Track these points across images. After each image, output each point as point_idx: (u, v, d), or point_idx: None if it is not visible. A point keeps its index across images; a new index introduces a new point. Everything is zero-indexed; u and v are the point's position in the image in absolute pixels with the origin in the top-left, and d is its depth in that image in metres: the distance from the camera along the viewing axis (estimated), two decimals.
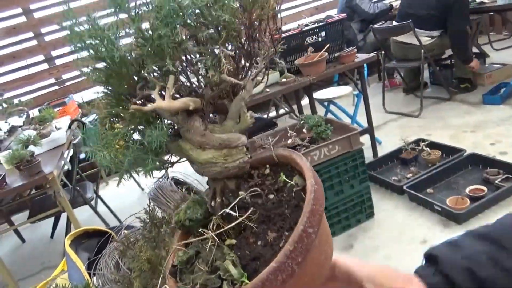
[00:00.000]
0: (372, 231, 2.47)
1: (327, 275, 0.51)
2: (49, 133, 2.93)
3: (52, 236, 3.58)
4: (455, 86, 4.06)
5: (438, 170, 2.69)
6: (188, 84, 0.45)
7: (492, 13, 4.83)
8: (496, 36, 5.42)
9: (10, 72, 4.49)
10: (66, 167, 3.02)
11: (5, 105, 3.16)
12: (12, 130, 3.47)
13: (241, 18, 0.44)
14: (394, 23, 4.07)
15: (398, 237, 2.35)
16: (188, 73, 0.45)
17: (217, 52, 0.43)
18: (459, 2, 3.53)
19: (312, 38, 3.07)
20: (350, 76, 3.54)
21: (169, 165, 0.47)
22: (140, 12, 0.40)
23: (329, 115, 3.59)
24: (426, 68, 4.39)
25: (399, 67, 4.29)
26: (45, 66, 4.60)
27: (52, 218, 3.33)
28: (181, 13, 0.40)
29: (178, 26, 0.40)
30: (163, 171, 0.47)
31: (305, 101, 3.78)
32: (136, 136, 0.44)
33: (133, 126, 0.43)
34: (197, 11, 0.42)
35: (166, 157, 0.46)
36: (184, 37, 0.42)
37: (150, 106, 0.41)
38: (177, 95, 0.45)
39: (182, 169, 0.91)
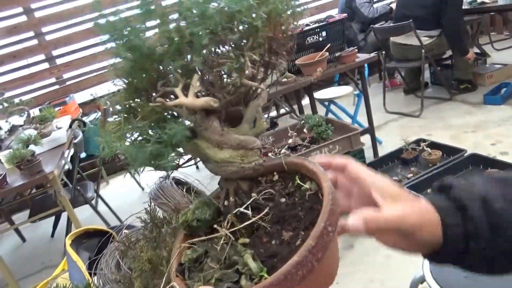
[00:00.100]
0: None
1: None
2: (49, 132, 2.93)
3: (52, 236, 3.58)
4: (455, 87, 4.06)
5: (438, 170, 2.68)
6: (208, 85, 0.46)
7: (493, 13, 4.83)
8: (497, 36, 5.42)
9: (10, 72, 4.50)
10: (66, 167, 3.02)
11: (5, 105, 3.15)
12: (12, 129, 3.47)
13: (267, 29, 0.46)
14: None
15: None
16: (208, 75, 0.46)
17: (241, 57, 0.44)
18: None
19: (313, 38, 3.07)
20: (351, 76, 3.54)
21: (185, 161, 0.48)
22: (169, 11, 0.42)
23: (330, 115, 3.58)
24: (427, 69, 4.38)
25: (399, 67, 4.28)
26: (45, 65, 4.60)
27: (53, 218, 3.33)
28: (214, 16, 0.42)
29: (207, 28, 0.42)
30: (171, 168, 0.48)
31: (305, 101, 3.78)
32: (150, 132, 0.45)
33: (150, 122, 0.44)
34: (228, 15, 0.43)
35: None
36: (210, 39, 0.43)
37: (174, 101, 0.42)
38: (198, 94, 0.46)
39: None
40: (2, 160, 2.54)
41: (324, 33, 3.09)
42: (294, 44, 0.51)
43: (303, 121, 2.44)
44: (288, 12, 0.47)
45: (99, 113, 3.72)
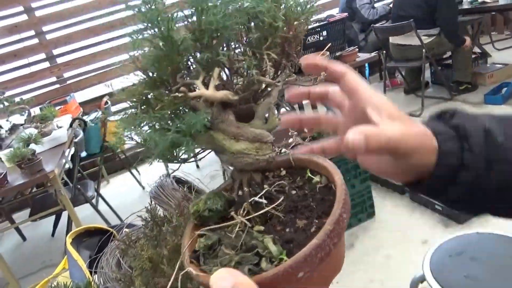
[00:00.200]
0: (373, 230, 2.47)
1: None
2: (50, 131, 2.93)
3: (53, 235, 3.59)
4: (455, 89, 4.05)
5: None
6: (227, 80, 0.49)
7: (493, 12, 4.83)
8: (498, 36, 5.41)
9: (11, 71, 4.50)
10: (67, 166, 3.02)
11: (6, 104, 3.16)
12: (13, 128, 3.48)
13: (284, 30, 0.48)
14: None
15: (399, 237, 2.35)
16: (229, 70, 0.49)
17: (258, 56, 0.47)
18: None
19: (314, 37, 3.07)
20: None
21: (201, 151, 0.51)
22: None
23: None
24: (427, 68, 4.38)
25: (400, 66, 4.28)
26: (46, 64, 4.60)
27: (53, 217, 3.34)
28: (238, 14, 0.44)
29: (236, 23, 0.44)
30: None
31: (306, 100, 3.78)
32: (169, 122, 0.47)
33: (168, 112, 0.46)
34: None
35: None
36: (235, 34, 0.46)
37: (195, 92, 0.45)
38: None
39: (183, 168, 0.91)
40: (3, 159, 2.54)
41: (324, 33, 3.09)
42: (301, 45, 0.52)
43: None
44: (303, 15, 0.49)
45: (100, 112, 3.72)
